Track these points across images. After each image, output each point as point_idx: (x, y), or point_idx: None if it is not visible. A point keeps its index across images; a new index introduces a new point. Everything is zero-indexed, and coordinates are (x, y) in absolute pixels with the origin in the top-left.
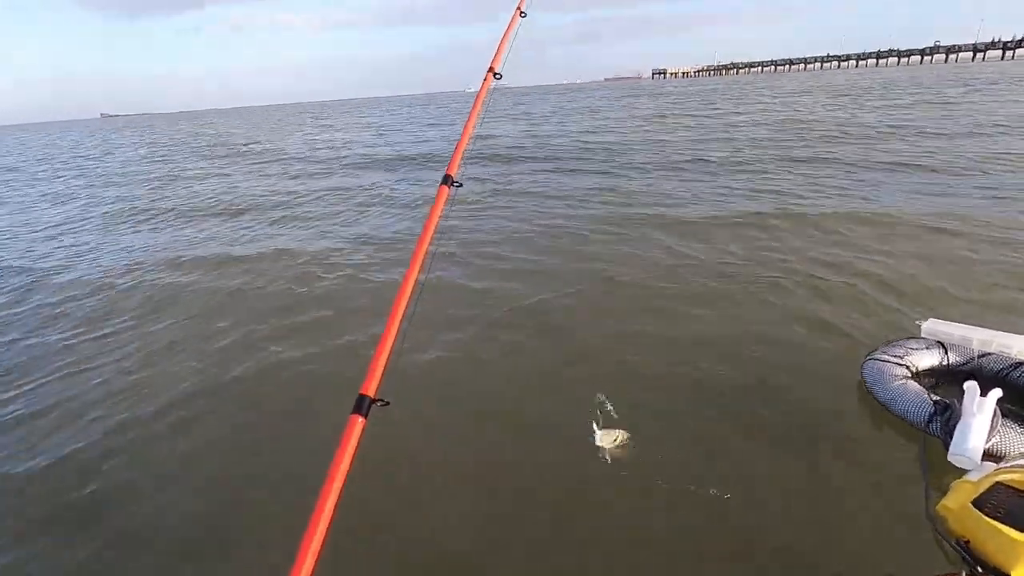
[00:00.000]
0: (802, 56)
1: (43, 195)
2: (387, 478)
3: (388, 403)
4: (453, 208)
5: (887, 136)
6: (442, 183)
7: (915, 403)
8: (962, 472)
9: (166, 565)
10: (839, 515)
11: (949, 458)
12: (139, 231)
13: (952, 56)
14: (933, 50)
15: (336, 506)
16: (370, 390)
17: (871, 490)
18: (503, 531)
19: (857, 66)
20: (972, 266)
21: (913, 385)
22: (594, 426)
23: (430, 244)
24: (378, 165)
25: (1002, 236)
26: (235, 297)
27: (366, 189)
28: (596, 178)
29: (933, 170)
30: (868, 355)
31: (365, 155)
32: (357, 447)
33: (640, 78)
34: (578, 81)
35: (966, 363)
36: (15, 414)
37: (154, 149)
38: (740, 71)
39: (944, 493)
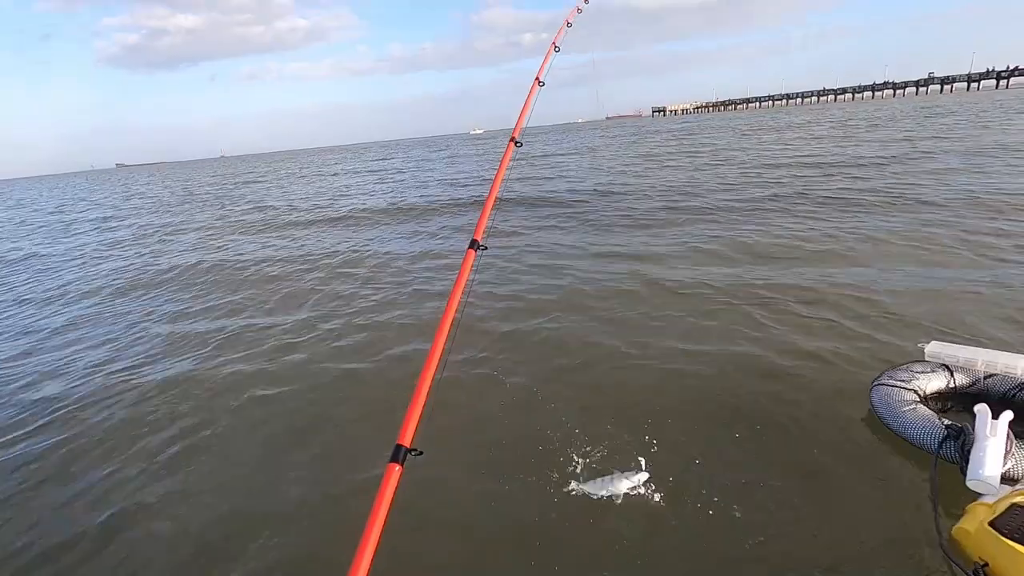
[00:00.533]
0: (799, 91)
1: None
2: (418, 525)
3: (421, 452)
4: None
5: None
6: (469, 247)
7: (927, 429)
8: (975, 495)
9: None
10: (856, 542)
11: (967, 483)
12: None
13: (947, 86)
14: (928, 81)
15: (375, 551)
16: (406, 440)
17: (888, 516)
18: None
19: (853, 98)
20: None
21: (923, 410)
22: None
23: (459, 305)
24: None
25: None
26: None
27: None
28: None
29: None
30: (875, 381)
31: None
32: (394, 495)
33: (641, 115)
34: (579, 120)
35: (973, 384)
36: None
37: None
38: (737, 107)
39: (959, 517)
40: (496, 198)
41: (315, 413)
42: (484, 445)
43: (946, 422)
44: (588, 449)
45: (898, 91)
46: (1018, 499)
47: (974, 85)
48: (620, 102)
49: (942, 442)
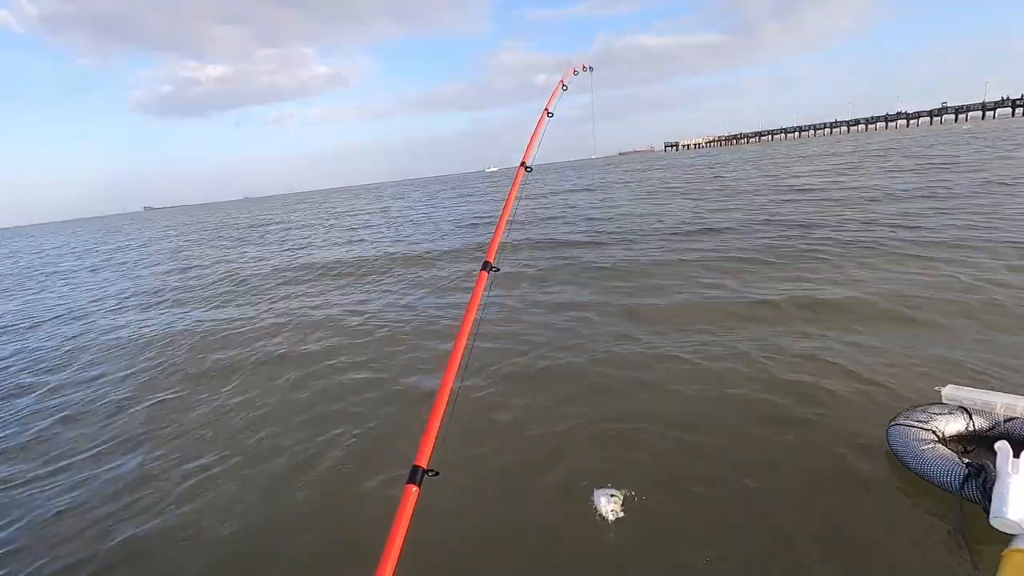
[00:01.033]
0: (811, 123)
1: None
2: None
3: (437, 473)
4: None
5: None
6: (482, 269)
7: (947, 468)
8: (1004, 538)
9: None
10: None
11: (991, 522)
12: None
13: (962, 116)
14: (941, 111)
15: (395, 570)
16: (423, 461)
17: (914, 560)
18: None
19: (867, 129)
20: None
21: (942, 449)
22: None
23: (474, 326)
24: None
25: None
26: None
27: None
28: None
29: None
30: (892, 421)
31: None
32: (412, 515)
33: (653, 150)
34: (593, 156)
35: (992, 428)
36: None
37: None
38: (749, 140)
39: (984, 556)
40: (508, 221)
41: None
42: (500, 466)
43: (966, 461)
44: (598, 472)
45: (911, 121)
46: None
47: (989, 114)
48: (633, 138)
49: (964, 481)
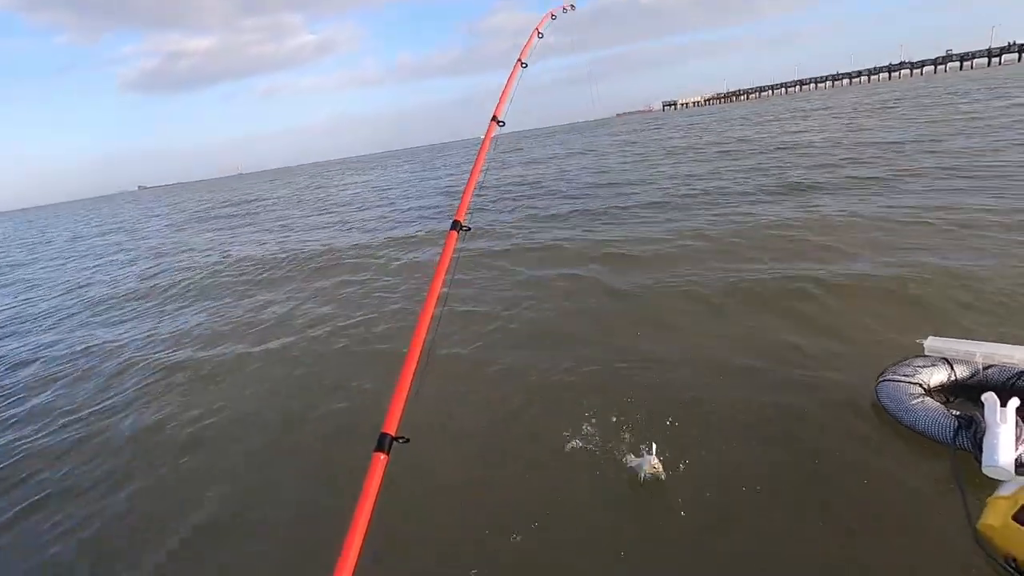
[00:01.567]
0: (811, 76)
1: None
2: (406, 513)
3: (408, 440)
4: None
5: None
6: (451, 228)
7: (939, 420)
8: (994, 486)
9: None
10: (882, 540)
11: (984, 471)
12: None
13: (967, 63)
14: (946, 59)
15: (364, 539)
16: (391, 428)
17: (910, 511)
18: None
19: (869, 81)
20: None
21: (931, 402)
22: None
23: (443, 286)
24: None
25: None
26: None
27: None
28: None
29: None
30: (879, 377)
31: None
32: (381, 483)
33: (651, 110)
34: (592, 118)
35: (973, 376)
36: None
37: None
38: (749, 96)
39: (976, 507)
40: (477, 181)
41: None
42: (472, 431)
43: (956, 413)
44: (574, 431)
45: (915, 70)
46: None
47: (995, 60)
48: (630, 98)
49: (955, 433)
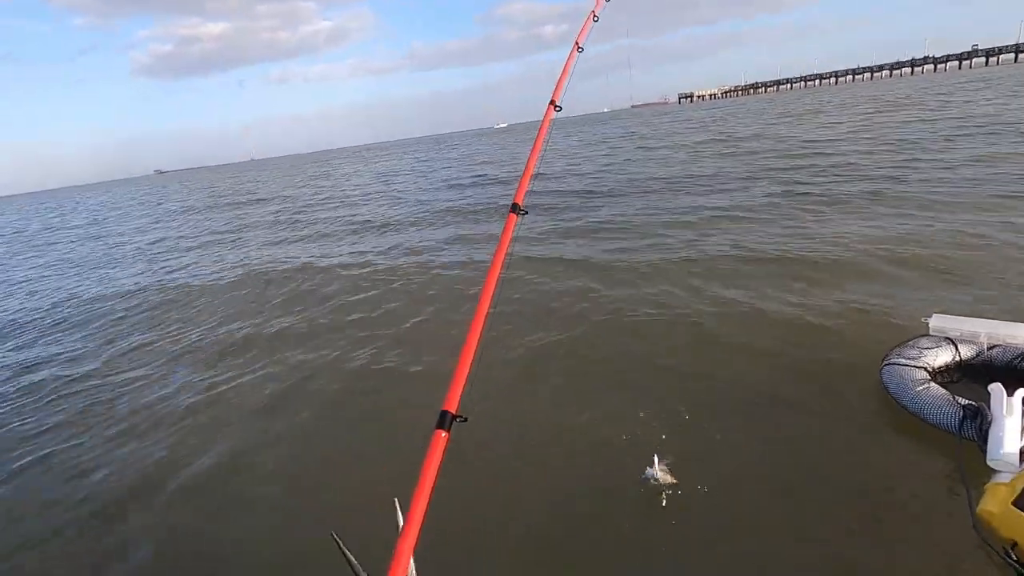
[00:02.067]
0: (832, 70)
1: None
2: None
3: (467, 419)
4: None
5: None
6: (511, 211)
7: (944, 409)
8: (991, 472)
9: None
10: (886, 526)
11: (988, 462)
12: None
13: (992, 59)
14: (972, 54)
15: (424, 516)
16: (452, 406)
17: (915, 499)
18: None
19: (891, 75)
20: None
21: (936, 389)
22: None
23: (502, 269)
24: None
25: None
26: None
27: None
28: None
29: None
30: (885, 360)
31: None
32: (441, 460)
33: (667, 102)
34: (606, 109)
35: (977, 356)
36: None
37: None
38: (768, 89)
39: (977, 495)
40: (536, 164)
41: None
42: (527, 417)
43: (962, 401)
44: (626, 427)
45: (939, 65)
46: None
47: (1023, 56)
48: (647, 90)
49: (961, 422)
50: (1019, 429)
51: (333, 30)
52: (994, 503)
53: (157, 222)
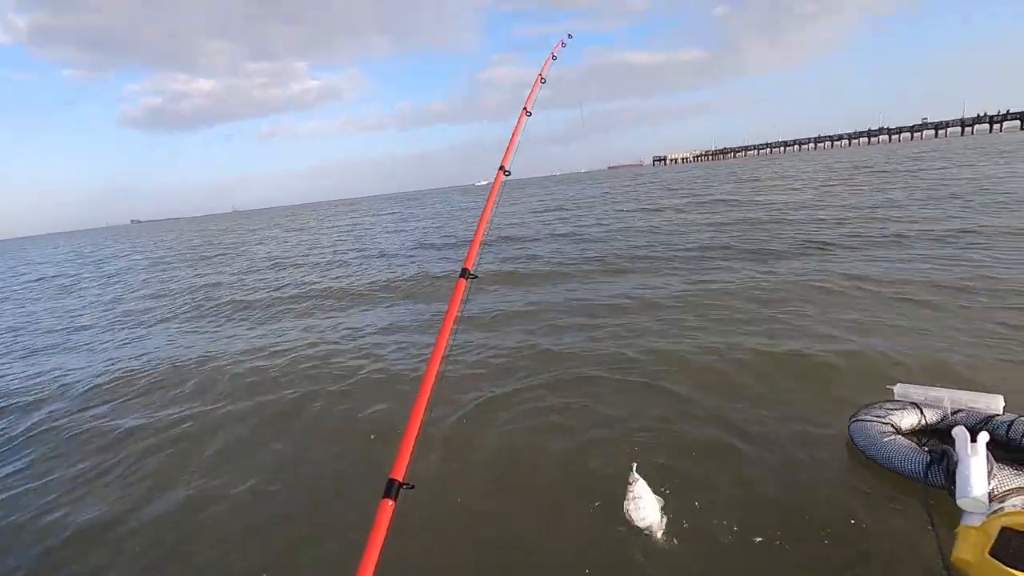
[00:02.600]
0: (796, 138)
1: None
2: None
3: (413, 486)
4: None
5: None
6: (460, 276)
7: (910, 456)
8: (958, 514)
9: None
10: (858, 572)
11: (958, 503)
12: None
13: (941, 131)
14: (922, 127)
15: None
16: (399, 474)
17: (886, 546)
18: None
19: (850, 144)
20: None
21: (902, 440)
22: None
23: (450, 335)
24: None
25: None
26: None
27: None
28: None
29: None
30: (852, 418)
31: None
32: (388, 529)
33: (642, 164)
34: (584, 170)
35: (942, 421)
36: None
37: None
38: (736, 155)
39: (946, 537)
40: (485, 230)
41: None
42: (481, 478)
43: (927, 448)
44: (584, 481)
45: (894, 136)
46: (1005, 521)
47: (968, 129)
48: (623, 151)
49: (928, 467)
50: (985, 470)
51: (322, 89)
52: (968, 551)
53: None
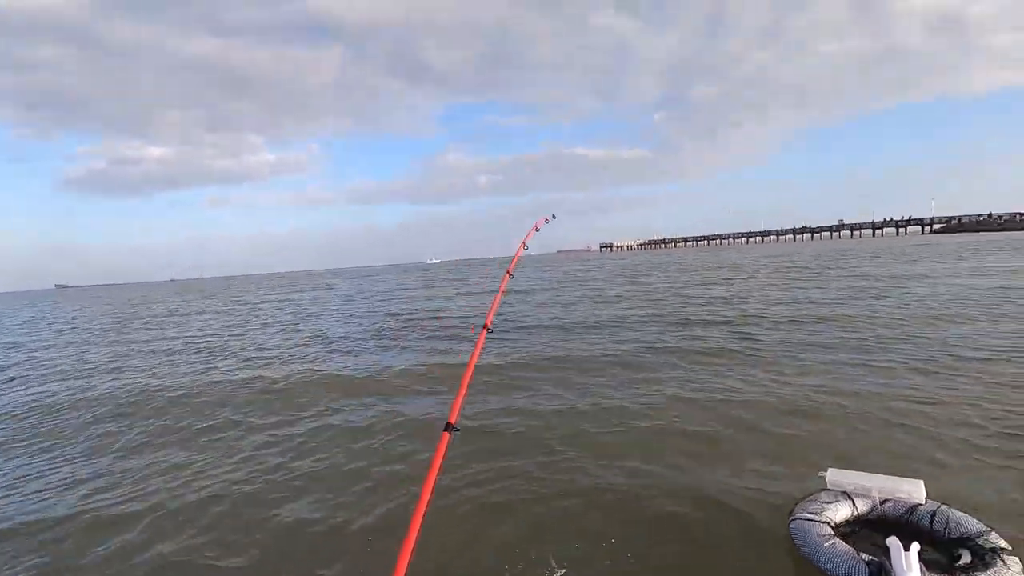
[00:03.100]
0: (730, 231)
1: None
2: None
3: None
4: None
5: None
6: (444, 430)
7: (851, 566)
8: None
9: None
10: None
11: None
12: None
13: (856, 232)
14: (840, 227)
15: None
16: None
17: None
18: None
19: (777, 240)
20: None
21: (841, 545)
22: None
23: (432, 490)
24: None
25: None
26: None
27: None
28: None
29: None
30: (791, 515)
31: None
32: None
33: (589, 250)
34: (533, 253)
35: (872, 511)
36: None
37: None
38: (677, 244)
39: None
40: (468, 384)
41: None
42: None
43: (866, 558)
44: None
45: (815, 235)
46: None
47: (879, 232)
48: (572, 236)
49: None
50: None
51: (277, 162)
52: None
53: None
